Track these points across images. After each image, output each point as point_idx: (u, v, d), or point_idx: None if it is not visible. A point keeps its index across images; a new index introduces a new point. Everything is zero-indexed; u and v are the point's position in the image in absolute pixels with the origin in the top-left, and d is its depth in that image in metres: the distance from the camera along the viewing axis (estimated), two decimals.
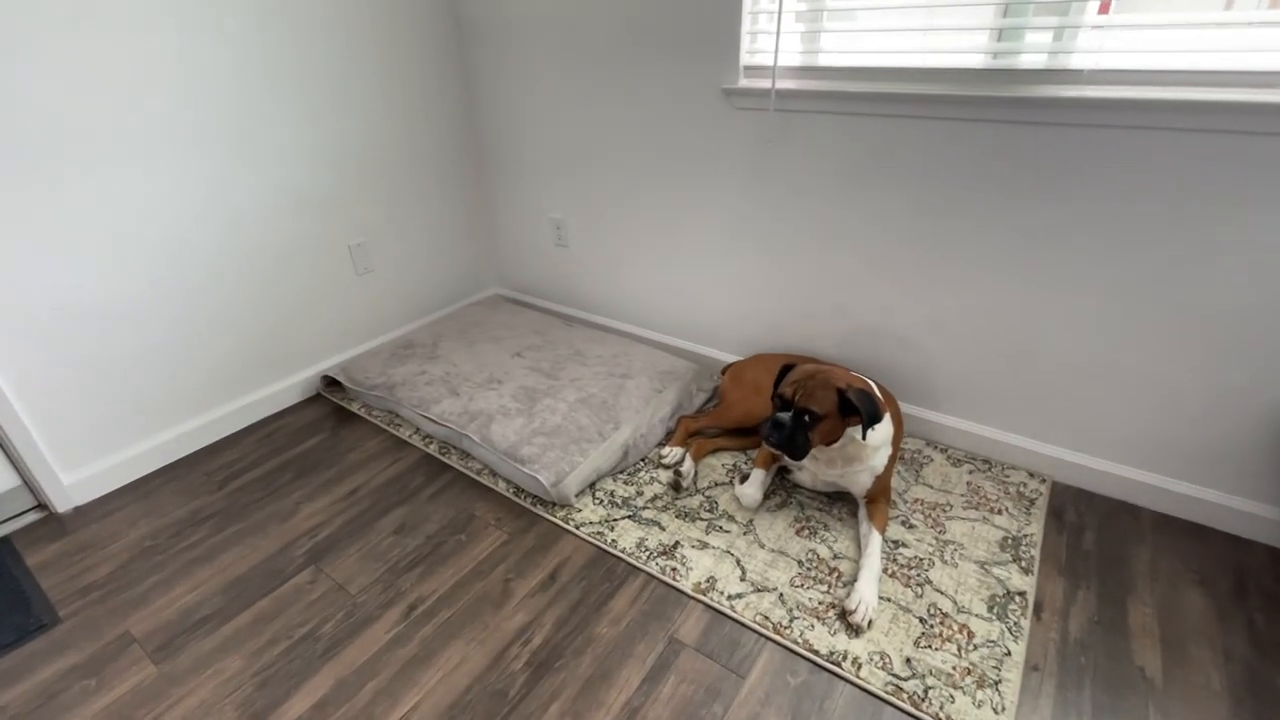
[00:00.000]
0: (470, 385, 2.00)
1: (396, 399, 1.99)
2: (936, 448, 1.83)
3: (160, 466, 1.86)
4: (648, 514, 1.61)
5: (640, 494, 1.69)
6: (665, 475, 1.75)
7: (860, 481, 1.50)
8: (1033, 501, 1.62)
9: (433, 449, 1.89)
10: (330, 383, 2.22)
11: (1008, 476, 1.71)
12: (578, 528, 1.58)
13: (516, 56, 2.19)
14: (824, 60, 1.66)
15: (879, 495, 1.52)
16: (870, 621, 1.29)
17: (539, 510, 1.64)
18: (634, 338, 2.38)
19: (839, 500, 1.64)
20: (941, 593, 1.37)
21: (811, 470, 1.56)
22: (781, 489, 1.69)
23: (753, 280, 2.00)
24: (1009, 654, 1.24)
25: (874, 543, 1.43)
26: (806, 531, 1.55)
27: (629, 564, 1.48)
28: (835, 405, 1.37)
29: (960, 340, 1.70)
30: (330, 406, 2.14)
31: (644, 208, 2.13)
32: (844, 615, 1.32)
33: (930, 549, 1.48)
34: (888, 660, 1.24)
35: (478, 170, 2.57)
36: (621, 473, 1.77)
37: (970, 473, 1.73)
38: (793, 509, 1.62)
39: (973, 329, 1.67)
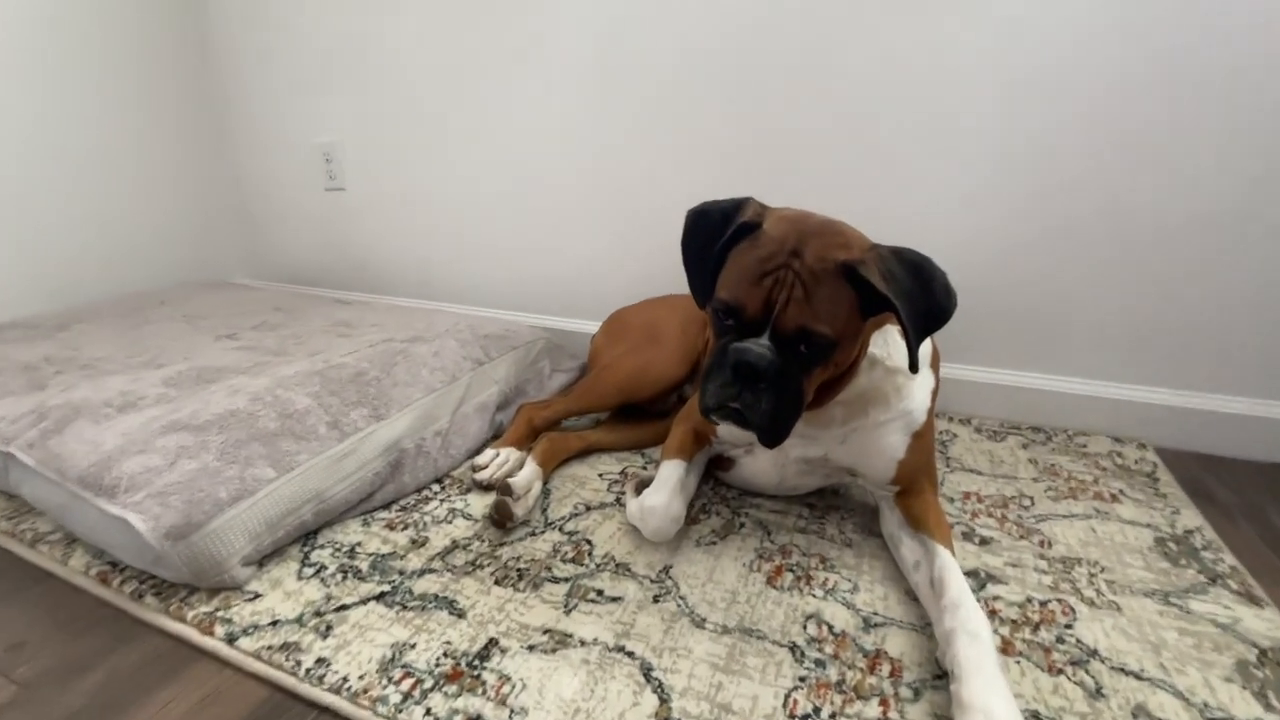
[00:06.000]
0: (85, 372, 0.99)
1: None
2: (954, 419, 1.10)
3: None
4: (428, 581, 0.68)
5: (419, 541, 0.76)
6: (484, 502, 0.84)
7: (886, 449, 0.70)
8: (1151, 477, 0.91)
9: None
10: None
11: (1085, 446, 1.00)
12: (231, 641, 0.61)
13: None
14: None
15: (921, 477, 0.72)
16: None
17: (150, 614, 0.65)
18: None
19: (829, 509, 0.83)
20: (1134, 674, 0.57)
21: (781, 448, 0.74)
22: (716, 499, 0.84)
23: (640, 176, 1.24)
24: None
25: (954, 578, 0.60)
26: (785, 574, 0.70)
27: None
28: (853, 305, 0.59)
29: (972, 229, 1.03)
30: None
31: (460, 93, 1.34)
32: None
33: (1046, 579, 0.69)
34: None
35: (202, 71, 1.66)
36: (387, 506, 0.84)
37: (1025, 447, 1.00)
38: (748, 535, 0.77)
39: (993, 205, 1.01)
